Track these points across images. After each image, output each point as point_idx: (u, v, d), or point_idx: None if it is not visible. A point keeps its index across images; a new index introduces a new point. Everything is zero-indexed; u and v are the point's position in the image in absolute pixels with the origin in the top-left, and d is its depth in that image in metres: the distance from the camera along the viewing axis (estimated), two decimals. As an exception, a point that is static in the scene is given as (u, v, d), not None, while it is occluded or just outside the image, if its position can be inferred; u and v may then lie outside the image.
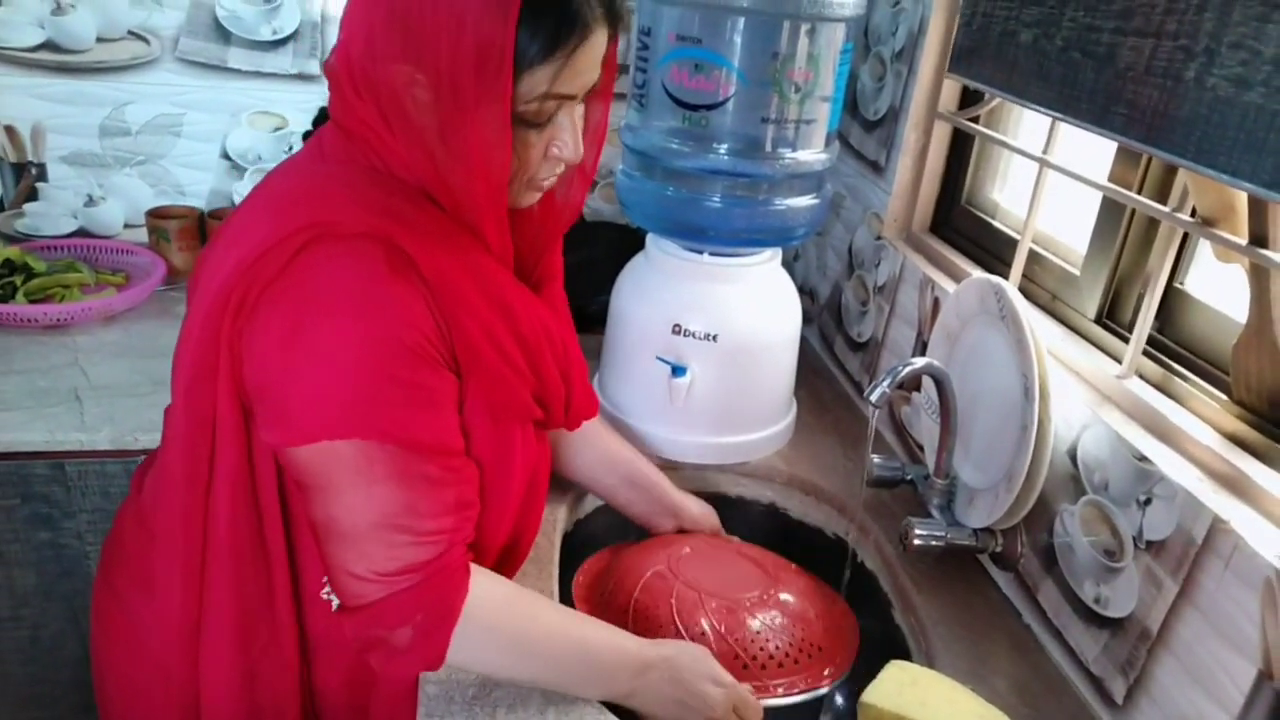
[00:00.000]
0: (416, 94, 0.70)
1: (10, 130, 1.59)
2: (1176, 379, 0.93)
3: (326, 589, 0.86)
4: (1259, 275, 0.82)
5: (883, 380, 0.94)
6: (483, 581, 0.79)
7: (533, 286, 0.86)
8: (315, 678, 0.91)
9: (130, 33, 1.57)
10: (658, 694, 0.83)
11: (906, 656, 1.00)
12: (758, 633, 0.94)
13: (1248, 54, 0.71)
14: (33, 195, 1.65)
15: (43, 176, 1.64)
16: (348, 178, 0.76)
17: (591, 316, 1.59)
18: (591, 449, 1.09)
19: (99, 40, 1.57)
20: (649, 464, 1.11)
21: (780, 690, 0.92)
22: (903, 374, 0.95)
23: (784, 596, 0.99)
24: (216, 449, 0.79)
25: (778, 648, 0.94)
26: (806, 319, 1.32)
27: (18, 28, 1.53)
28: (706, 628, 0.93)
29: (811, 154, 1.14)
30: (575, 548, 1.13)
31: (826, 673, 0.95)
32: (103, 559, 0.95)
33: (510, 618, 0.81)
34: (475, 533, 0.81)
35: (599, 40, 0.72)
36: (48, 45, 1.55)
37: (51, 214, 1.67)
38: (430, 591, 0.75)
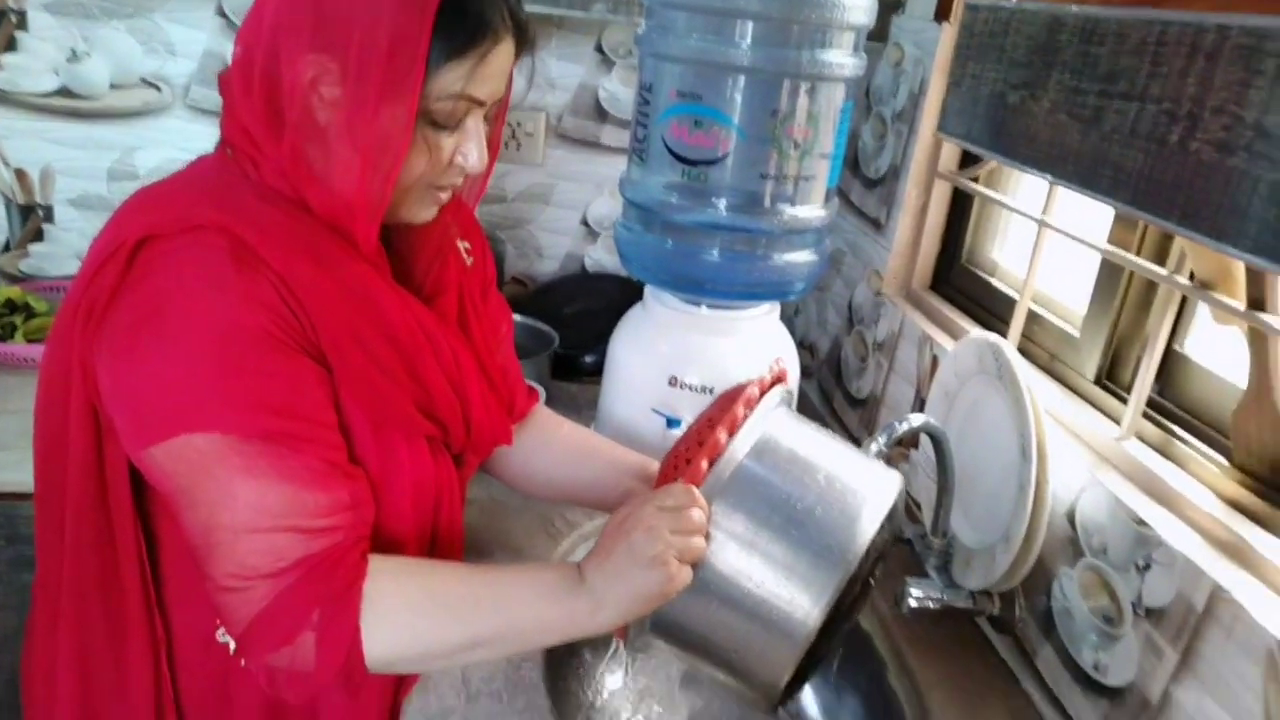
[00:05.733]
0: (324, 90, 0.70)
1: (20, 174, 1.61)
2: (1176, 442, 0.91)
3: (221, 628, 0.80)
4: (1258, 340, 0.81)
5: (879, 438, 0.93)
6: (373, 559, 0.73)
7: (425, 298, 0.84)
8: None
9: (143, 80, 1.60)
10: (616, 570, 0.71)
11: (902, 722, 0.98)
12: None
13: (1230, 119, 0.72)
14: (38, 236, 1.67)
15: (49, 218, 1.66)
16: (196, 182, 0.75)
17: (588, 367, 1.59)
18: (561, 445, 1.00)
19: (112, 87, 1.59)
20: (623, 448, 1.00)
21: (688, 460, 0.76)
22: (899, 432, 0.94)
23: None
24: (66, 472, 0.76)
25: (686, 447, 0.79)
26: (806, 373, 1.32)
27: (33, 74, 1.56)
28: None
29: (810, 210, 1.15)
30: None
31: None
32: None
33: (414, 575, 0.75)
34: (371, 541, 0.75)
35: (507, 49, 0.75)
36: (61, 91, 1.58)
37: (56, 255, 1.68)
38: (321, 582, 0.69)
